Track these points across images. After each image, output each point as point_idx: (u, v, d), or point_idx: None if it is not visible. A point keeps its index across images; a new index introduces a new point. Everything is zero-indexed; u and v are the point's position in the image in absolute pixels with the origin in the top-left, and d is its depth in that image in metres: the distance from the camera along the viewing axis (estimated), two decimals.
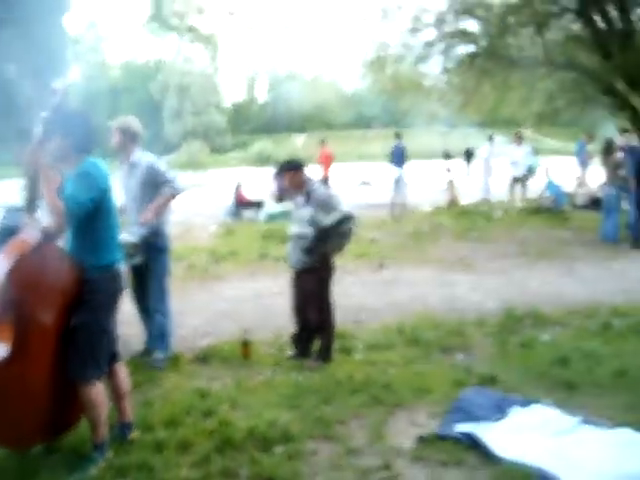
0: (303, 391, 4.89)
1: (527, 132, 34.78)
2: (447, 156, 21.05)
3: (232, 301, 7.86)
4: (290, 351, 5.84)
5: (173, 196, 5.56)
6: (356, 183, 25.20)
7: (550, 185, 15.57)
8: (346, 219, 5.38)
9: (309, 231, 5.43)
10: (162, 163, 5.64)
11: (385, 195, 17.25)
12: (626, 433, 3.99)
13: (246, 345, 5.75)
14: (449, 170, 18.62)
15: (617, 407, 4.50)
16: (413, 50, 21.20)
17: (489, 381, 5.00)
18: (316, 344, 5.72)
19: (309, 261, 5.48)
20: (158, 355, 5.60)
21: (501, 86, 21.33)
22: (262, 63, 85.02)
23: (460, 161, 28.78)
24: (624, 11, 18.21)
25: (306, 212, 5.46)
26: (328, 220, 5.33)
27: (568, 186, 17.40)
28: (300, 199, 5.58)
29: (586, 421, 4.20)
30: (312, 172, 6.22)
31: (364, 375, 5.15)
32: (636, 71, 17.67)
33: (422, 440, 4.03)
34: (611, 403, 4.58)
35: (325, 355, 5.62)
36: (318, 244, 5.41)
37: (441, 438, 4.02)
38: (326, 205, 5.39)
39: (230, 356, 5.76)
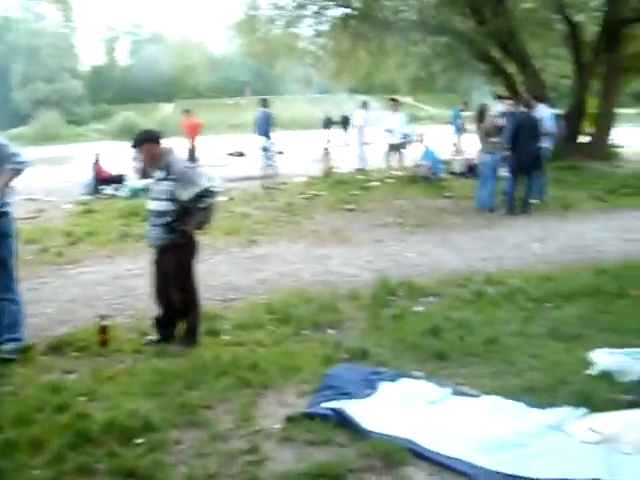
0: (166, 377, 4.85)
1: (404, 99, 35.63)
2: (328, 124, 21.20)
3: (89, 285, 7.65)
4: (153, 336, 5.76)
5: (17, 172, 5.33)
6: (225, 154, 25.05)
7: (426, 153, 16.07)
8: (207, 194, 5.34)
9: (169, 207, 5.36)
10: (2, 136, 5.39)
11: (258, 167, 17.26)
12: (494, 400, 4.23)
13: (104, 332, 5.63)
14: (329, 139, 18.81)
15: (487, 375, 4.76)
16: (285, 11, 21.25)
17: (360, 356, 5.15)
18: (181, 327, 5.68)
19: (170, 239, 5.42)
20: (8, 346, 5.40)
21: (376, 51, 21.76)
22: (123, 22, 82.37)
23: (338, 129, 29.19)
24: None
25: (165, 186, 5.38)
26: (187, 195, 5.28)
27: (445, 153, 18.05)
28: (159, 173, 5.49)
29: (455, 391, 4.41)
30: (177, 144, 6.14)
31: (231, 357, 5.17)
32: (509, 37, 18.50)
33: (290, 420, 4.11)
34: (481, 371, 4.84)
35: (190, 338, 5.59)
36: (178, 220, 5.36)
37: (309, 417, 4.10)
38: (185, 179, 5.33)
39: (87, 345, 5.61)
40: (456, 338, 5.44)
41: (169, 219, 5.37)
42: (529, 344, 5.32)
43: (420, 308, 6.36)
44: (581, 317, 5.95)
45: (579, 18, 20.63)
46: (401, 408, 4.22)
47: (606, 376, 4.56)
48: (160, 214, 5.41)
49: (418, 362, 5.04)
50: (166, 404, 4.42)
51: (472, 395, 4.36)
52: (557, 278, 7.33)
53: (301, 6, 20.94)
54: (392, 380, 4.62)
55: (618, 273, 7.33)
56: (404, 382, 4.58)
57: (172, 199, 5.33)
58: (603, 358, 4.77)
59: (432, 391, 4.41)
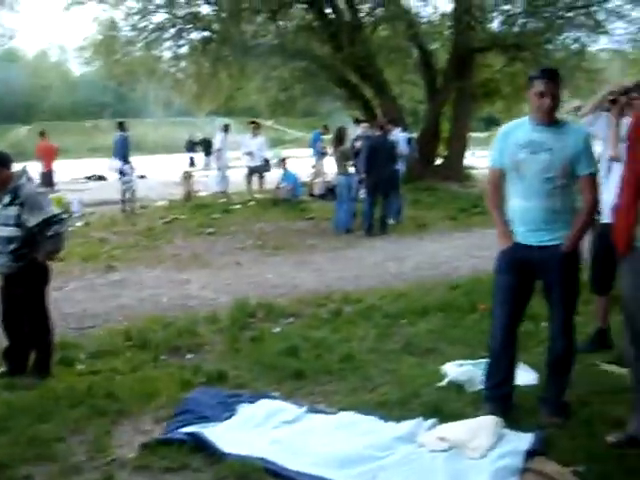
0: (15, 411, 4.63)
1: (267, 122, 35.91)
2: (190, 147, 21.06)
3: None
4: (2, 368, 5.51)
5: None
6: (83, 178, 24.36)
7: (287, 175, 16.30)
8: (55, 220, 5.20)
9: (16, 233, 5.17)
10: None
11: (117, 191, 16.88)
12: (348, 416, 4.33)
13: None
14: (191, 162, 18.69)
15: (343, 391, 4.87)
16: (144, 33, 20.98)
17: (218, 379, 5.14)
18: (32, 358, 5.46)
19: (17, 266, 5.22)
20: None
21: (237, 74, 21.88)
22: None
23: (200, 152, 29.06)
24: (352, 4, 19.58)
25: (12, 212, 5.19)
26: (33, 220, 5.11)
27: (306, 176, 18.37)
28: (6, 197, 5.29)
29: (311, 409, 4.49)
30: (32, 167, 5.92)
31: (86, 386, 5.00)
32: (366, 63, 19.14)
33: (145, 447, 4.03)
34: (337, 388, 4.94)
35: (42, 369, 5.37)
36: (26, 248, 5.18)
37: (165, 443, 4.05)
38: (32, 204, 5.16)
39: None
40: (313, 357, 5.53)
41: (16, 246, 5.17)
42: (384, 359, 5.49)
43: (279, 329, 6.42)
44: (434, 331, 6.20)
45: (432, 46, 21.69)
46: (258, 429, 4.25)
47: (456, 387, 4.77)
48: (7, 240, 5.20)
49: (276, 382, 5.08)
50: (15, 439, 4.23)
51: (328, 412, 4.45)
52: (412, 295, 7.61)
53: (160, 28, 20.77)
54: (250, 402, 4.63)
55: (469, 288, 7.70)
56: (262, 403, 4.60)
57: (19, 225, 5.15)
58: (453, 370, 5.00)
59: (289, 410, 4.45)
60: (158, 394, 4.85)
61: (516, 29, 20.34)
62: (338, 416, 4.35)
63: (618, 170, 5.13)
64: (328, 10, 19.77)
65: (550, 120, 4.13)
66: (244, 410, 4.51)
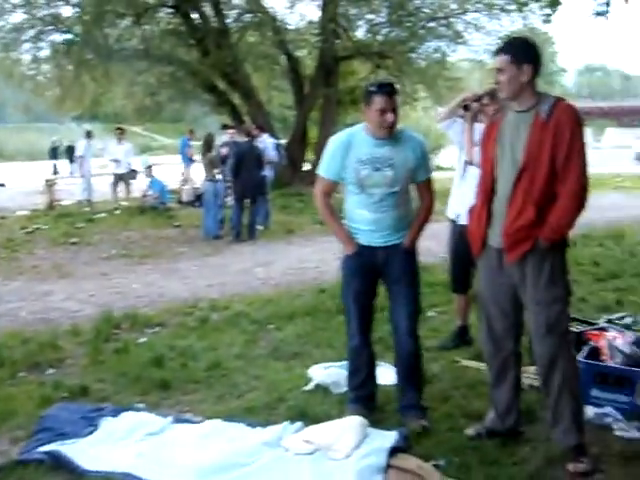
0: None
1: (135, 128, 35.17)
2: (54, 154, 20.30)
3: None
4: None
5: None
6: None
7: (154, 183, 16.00)
8: None
9: None
10: None
11: None
12: (215, 424, 4.28)
13: None
14: (55, 170, 18.01)
15: (209, 400, 4.81)
16: (1, 34, 20.01)
17: (81, 393, 4.94)
18: None
19: None
20: None
21: (101, 78, 21.24)
22: None
23: (64, 160, 28.06)
24: (219, 10, 19.47)
25: None
26: None
27: (173, 183, 18.11)
28: None
29: (177, 419, 4.40)
30: None
31: None
32: (234, 69, 19.08)
33: (1, 470, 3.82)
34: (204, 397, 4.87)
35: None
36: None
37: (22, 464, 3.86)
38: None
39: None
40: (179, 366, 5.43)
41: None
42: (251, 365, 5.47)
43: (144, 339, 6.27)
44: (301, 336, 6.24)
45: (299, 53, 21.91)
46: (122, 443, 4.12)
47: (322, 390, 4.82)
48: None
49: (141, 394, 4.94)
50: None
51: (194, 422, 4.38)
52: (279, 300, 7.65)
53: (18, 29, 19.87)
54: (114, 415, 4.49)
55: (335, 291, 7.73)
56: (126, 416, 4.47)
57: None
58: (319, 373, 5.04)
59: (153, 422, 4.35)
60: (15, 413, 4.61)
61: (380, 38, 20.89)
62: (204, 425, 4.29)
63: (473, 173, 5.37)
64: (195, 15, 19.57)
65: (391, 135, 4.15)
66: (107, 424, 4.37)
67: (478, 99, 5.34)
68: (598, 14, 8.74)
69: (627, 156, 40.00)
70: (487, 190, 3.88)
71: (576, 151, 3.58)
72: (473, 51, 21.67)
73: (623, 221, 13.80)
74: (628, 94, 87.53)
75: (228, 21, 20.21)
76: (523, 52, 3.72)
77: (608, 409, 4.34)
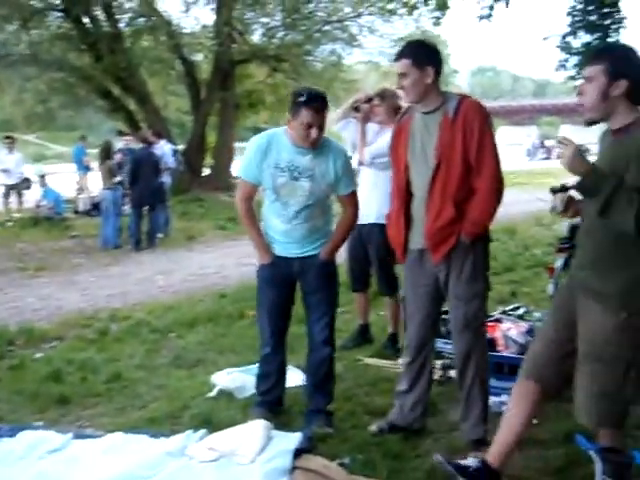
0: None
1: (27, 137, 34.00)
2: None
3: None
4: None
5: None
6: None
7: (47, 192, 15.50)
8: None
9: None
10: None
11: None
12: (116, 437, 4.18)
13: None
14: None
15: (111, 413, 4.70)
16: None
17: None
18: None
19: None
20: None
21: None
22: None
23: None
24: (111, 13, 19.03)
25: None
26: None
27: (69, 192, 17.61)
28: None
29: (77, 435, 4.27)
30: None
31: None
32: (128, 74, 18.70)
33: None
34: (105, 410, 4.76)
35: None
36: None
37: None
38: None
39: None
40: (78, 380, 5.28)
41: None
42: (153, 375, 5.38)
43: (41, 354, 6.06)
44: (203, 342, 6.20)
45: (195, 57, 21.71)
46: (22, 462, 3.96)
47: (225, 395, 4.79)
48: None
49: (39, 411, 4.77)
50: None
51: (95, 436, 4.26)
52: (181, 307, 7.57)
53: None
54: (10, 435, 4.29)
55: (237, 296, 7.80)
56: (23, 435, 4.30)
57: None
58: (222, 379, 5.01)
59: (53, 439, 4.20)
60: None
61: (276, 41, 20.95)
62: (105, 439, 4.17)
63: (366, 174, 5.48)
64: (86, 19, 19.05)
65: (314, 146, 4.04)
66: (3, 445, 4.18)
67: (369, 100, 5.46)
68: (482, 17, 9.05)
69: (519, 153, 41.59)
70: (402, 194, 3.93)
71: (487, 144, 3.68)
72: (368, 53, 22.11)
73: (516, 216, 14.33)
74: (517, 94, 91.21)
75: (121, 25, 19.79)
76: (424, 55, 3.78)
77: (504, 397, 4.49)
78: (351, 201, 4.29)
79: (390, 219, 4.10)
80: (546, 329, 3.33)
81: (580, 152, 2.86)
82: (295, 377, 4.92)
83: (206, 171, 21.58)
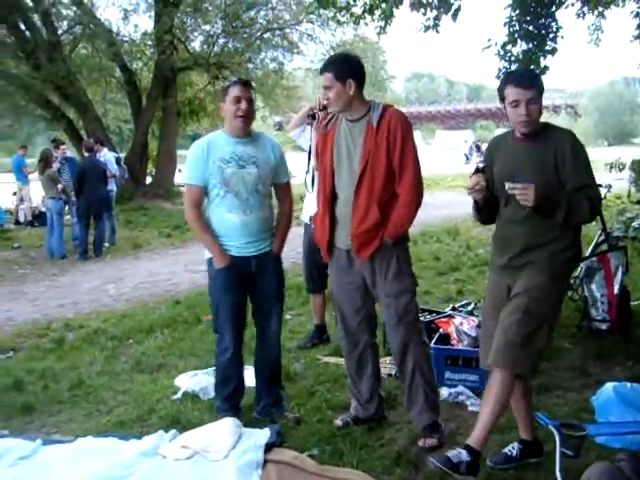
0: None
1: None
2: None
3: None
4: None
5: None
6: None
7: None
8: None
9: None
10: None
11: None
12: (87, 441, 4.24)
13: None
14: None
15: (77, 419, 4.77)
16: None
17: None
18: None
19: None
20: None
21: None
22: None
23: None
24: (49, 21, 18.76)
25: None
26: None
27: (8, 203, 17.36)
28: None
29: (47, 441, 4.32)
30: None
31: None
32: (68, 82, 18.48)
33: None
34: (71, 416, 4.82)
35: None
36: None
37: None
38: None
39: None
40: (40, 389, 5.32)
41: None
42: (116, 381, 5.46)
43: None
44: (162, 347, 6.29)
45: (136, 65, 21.58)
46: None
47: (191, 397, 4.90)
48: None
49: (3, 420, 4.79)
50: None
51: (65, 441, 4.32)
52: (136, 315, 7.64)
53: None
54: None
55: (191, 302, 7.90)
56: None
57: None
58: (186, 381, 5.13)
59: (22, 446, 4.24)
60: None
61: (217, 49, 21.01)
62: (76, 443, 4.23)
63: None
64: (23, 27, 18.76)
65: (248, 131, 4.30)
66: None
67: (324, 108, 5.61)
68: (427, 28, 9.31)
69: (456, 157, 42.36)
70: (328, 197, 4.13)
71: (409, 150, 3.92)
72: (308, 60, 22.35)
73: (457, 218, 14.71)
74: (452, 98, 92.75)
75: (59, 32, 19.57)
76: (344, 68, 3.99)
77: (461, 388, 4.75)
78: (288, 191, 4.58)
79: (316, 221, 4.33)
80: (484, 322, 3.83)
81: (538, 189, 3.26)
82: (251, 375, 5.00)
83: (149, 179, 21.49)
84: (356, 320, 4.24)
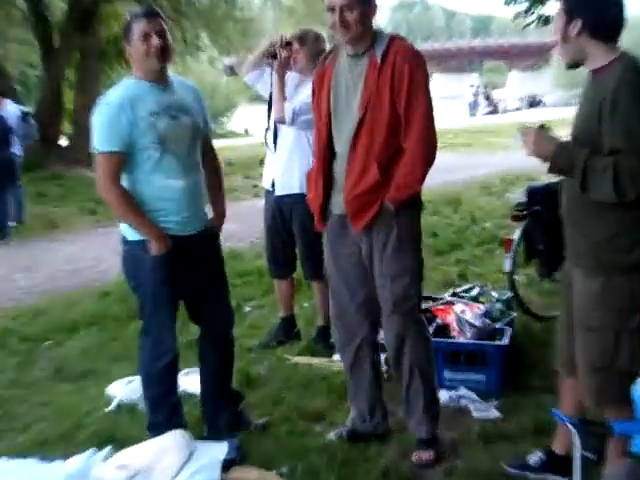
0: None
1: None
2: None
3: None
4: None
5: None
6: None
7: None
8: None
9: None
10: None
11: None
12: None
13: None
14: None
15: None
16: None
17: None
18: None
19: None
20: None
21: None
22: None
23: None
24: None
25: None
26: None
27: None
28: None
29: None
30: None
31: None
32: None
33: None
34: None
35: None
36: None
37: None
38: None
39: None
40: None
41: None
42: (32, 392, 5.56)
43: None
44: (89, 350, 6.40)
45: None
46: None
47: (127, 408, 5.02)
48: None
49: None
50: None
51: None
52: (54, 310, 7.72)
53: None
54: None
55: (123, 294, 7.87)
56: None
57: None
58: (121, 390, 5.25)
59: None
60: None
61: None
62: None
63: (287, 135, 5.72)
64: None
65: (166, 73, 4.29)
66: None
67: (287, 44, 5.63)
68: None
69: (459, 107, 42.58)
70: (323, 150, 4.16)
71: (419, 94, 3.90)
72: None
73: (458, 184, 14.91)
74: (453, 33, 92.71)
75: None
76: None
77: (463, 390, 4.93)
78: (211, 144, 4.68)
79: (310, 179, 4.37)
80: (560, 317, 3.79)
81: (542, 134, 3.25)
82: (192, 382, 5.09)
83: (64, 141, 21.37)
84: (352, 305, 4.28)
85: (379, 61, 3.90)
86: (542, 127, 3.30)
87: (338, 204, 4.15)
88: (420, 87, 3.91)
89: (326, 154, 4.17)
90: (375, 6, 3.99)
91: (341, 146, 4.10)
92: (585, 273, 3.39)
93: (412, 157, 3.94)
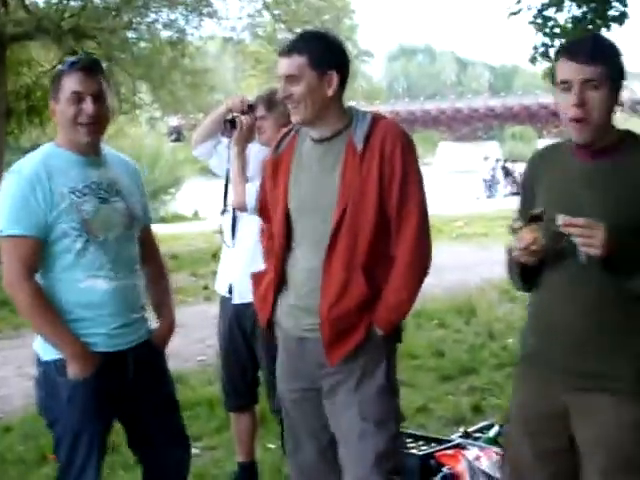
0: None
1: None
2: None
3: None
4: None
5: None
6: None
7: None
8: None
9: None
10: None
11: None
12: None
13: None
14: None
15: None
16: None
17: None
18: None
19: None
20: None
21: None
22: None
23: None
24: None
25: None
26: None
27: None
28: None
29: None
30: None
31: None
32: None
33: None
34: None
35: None
36: None
37: None
38: None
39: None
40: None
41: None
42: None
43: None
44: None
45: None
46: None
47: None
48: None
49: None
50: None
51: None
52: None
53: None
54: None
55: (28, 429, 7.81)
56: None
57: None
58: None
59: None
60: None
61: (74, 4, 21.05)
62: None
63: (249, 226, 5.59)
64: None
65: (98, 145, 4.26)
66: None
67: (249, 108, 5.61)
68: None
69: (471, 185, 42.83)
70: (278, 254, 4.10)
71: (412, 189, 3.89)
72: (226, 26, 22.55)
73: (471, 287, 14.91)
74: (466, 88, 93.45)
75: None
76: (326, 53, 3.94)
77: None
78: (153, 238, 4.69)
79: (258, 284, 4.30)
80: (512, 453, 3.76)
81: (610, 231, 3.11)
82: None
83: None
84: (313, 451, 4.19)
85: (360, 146, 3.88)
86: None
87: (294, 321, 4.09)
88: (413, 178, 3.92)
89: (281, 259, 4.10)
90: (335, 79, 3.93)
91: (306, 250, 4.03)
92: (619, 402, 3.29)
93: (404, 267, 3.92)
